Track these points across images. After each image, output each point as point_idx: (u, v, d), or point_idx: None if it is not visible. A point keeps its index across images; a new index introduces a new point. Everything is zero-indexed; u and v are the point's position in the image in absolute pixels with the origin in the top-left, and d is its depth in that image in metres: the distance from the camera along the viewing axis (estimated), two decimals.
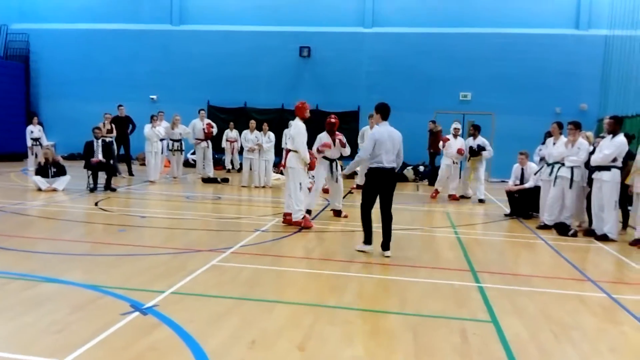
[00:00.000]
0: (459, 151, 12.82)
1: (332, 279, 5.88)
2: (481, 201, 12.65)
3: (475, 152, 12.75)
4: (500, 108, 18.10)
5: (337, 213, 9.80)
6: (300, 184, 8.46)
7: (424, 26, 18.75)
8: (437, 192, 13.26)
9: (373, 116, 7.49)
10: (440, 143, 13.38)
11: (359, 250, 7.09)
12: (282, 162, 8.97)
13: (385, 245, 6.93)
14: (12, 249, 6.58)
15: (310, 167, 8.74)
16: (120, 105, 15.73)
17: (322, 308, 4.87)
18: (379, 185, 6.92)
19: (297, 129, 8.45)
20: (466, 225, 9.78)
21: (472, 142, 12.93)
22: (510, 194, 10.83)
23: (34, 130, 15.71)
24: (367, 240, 7.10)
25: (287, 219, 8.60)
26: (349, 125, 17.40)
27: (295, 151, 8.43)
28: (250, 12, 19.65)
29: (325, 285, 5.62)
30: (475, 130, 13.12)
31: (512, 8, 18.30)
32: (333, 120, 9.63)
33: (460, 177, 13.28)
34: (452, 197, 13.01)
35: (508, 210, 10.93)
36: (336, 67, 19.14)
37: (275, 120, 17.67)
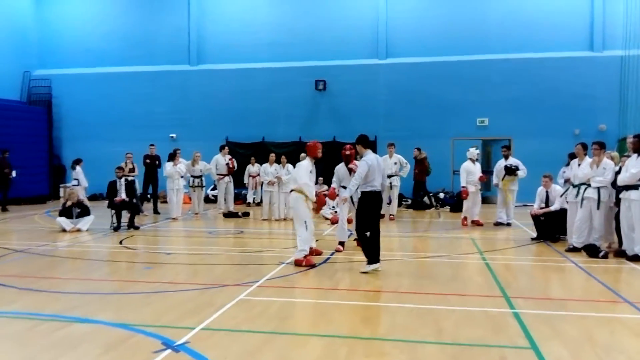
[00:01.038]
0: (481, 178, 12.84)
1: (363, 310, 5.78)
2: (508, 225, 12.50)
3: (512, 171, 12.57)
4: (519, 132, 18.02)
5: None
6: (306, 222, 8.04)
7: (437, 55, 18.87)
8: (465, 219, 13.02)
9: (356, 148, 8.07)
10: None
11: (365, 272, 7.43)
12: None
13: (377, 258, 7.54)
14: (41, 290, 6.61)
15: (327, 198, 8.62)
16: (151, 145, 15.98)
17: (356, 340, 4.77)
18: (376, 206, 7.59)
19: (298, 168, 8.38)
20: (493, 250, 9.62)
21: (505, 163, 12.80)
22: (536, 217, 10.66)
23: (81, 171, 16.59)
24: (373, 259, 7.48)
25: (309, 258, 8.19)
26: None
27: (299, 191, 8.11)
28: (265, 49, 19.98)
29: (357, 316, 5.51)
30: (507, 151, 13.03)
31: (525, 33, 18.38)
32: (347, 152, 9.37)
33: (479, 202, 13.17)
34: (475, 223, 12.89)
35: (534, 234, 10.75)
36: (352, 98, 19.29)
37: (294, 153, 17.68)
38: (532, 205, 11.06)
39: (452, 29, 18.85)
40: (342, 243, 9.37)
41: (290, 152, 17.52)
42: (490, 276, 7.38)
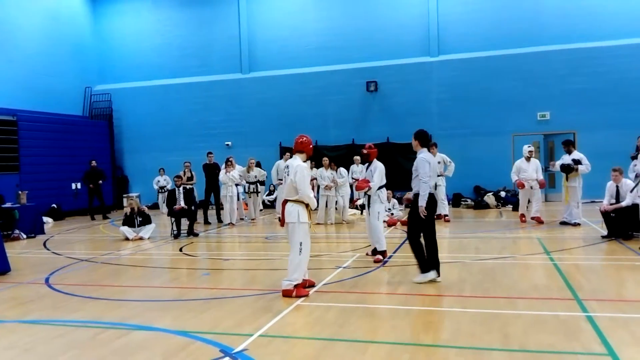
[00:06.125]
0: (541, 185, 12.69)
1: (424, 315, 5.56)
2: (575, 225, 11.79)
3: (569, 169, 11.88)
4: (583, 125, 17.17)
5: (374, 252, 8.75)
6: (301, 244, 6.51)
7: (492, 49, 18.26)
8: (523, 216, 12.87)
9: (413, 143, 7.13)
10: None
11: (419, 282, 6.86)
12: (281, 215, 6.86)
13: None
14: (104, 298, 6.75)
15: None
16: (209, 153, 16.01)
17: (418, 347, 4.57)
18: (431, 209, 6.88)
19: (298, 171, 6.56)
20: (561, 250, 9.13)
21: (568, 158, 12.06)
22: (606, 214, 10.06)
23: (160, 179, 18.58)
24: (427, 267, 6.91)
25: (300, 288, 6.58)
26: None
27: (296, 201, 6.58)
28: (315, 53, 19.94)
29: (418, 322, 5.30)
30: (568, 146, 12.27)
31: (586, 20, 17.45)
32: (366, 151, 8.85)
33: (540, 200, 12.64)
34: (535, 219, 12.42)
35: (605, 232, 10.14)
36: (405, 98, 18.95)
37: (347, 156, 17.61)
38: (601, 201, 10.45)
39: (507, 20, 18.14)
40: (383, 252, 8.61)
41: (343, 155, 17.49)
42: (560, 277, 6.97)
